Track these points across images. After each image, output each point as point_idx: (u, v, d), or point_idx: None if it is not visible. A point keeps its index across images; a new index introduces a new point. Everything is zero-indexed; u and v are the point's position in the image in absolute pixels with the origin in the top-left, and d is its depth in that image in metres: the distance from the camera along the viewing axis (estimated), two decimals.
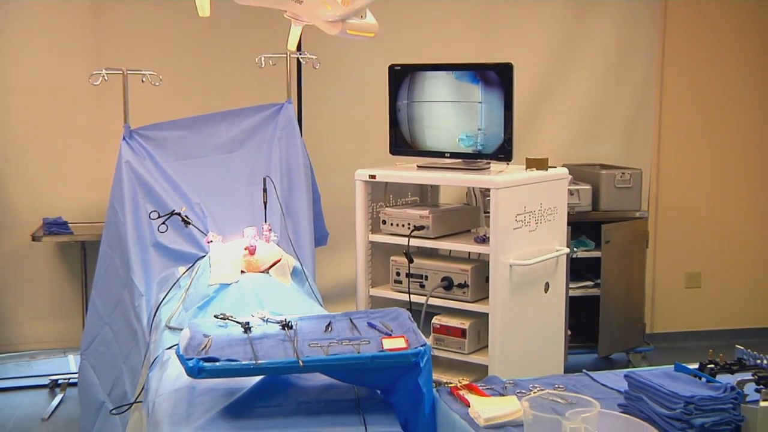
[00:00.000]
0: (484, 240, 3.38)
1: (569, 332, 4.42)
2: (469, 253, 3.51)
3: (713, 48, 5.36)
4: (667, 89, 5.34)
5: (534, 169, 3.49)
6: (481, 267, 3.40)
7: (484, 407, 2.02)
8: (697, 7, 5.30)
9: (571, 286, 4.56)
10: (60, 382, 4.65)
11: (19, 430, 4.13)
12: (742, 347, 2.11)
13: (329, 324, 2.35)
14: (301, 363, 2.07)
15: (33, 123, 4.61)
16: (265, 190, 3.36)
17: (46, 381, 4.69)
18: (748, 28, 5.38)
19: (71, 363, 4.79)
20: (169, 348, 2.54)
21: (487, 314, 3.31)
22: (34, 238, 4.42)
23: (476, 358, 3.38)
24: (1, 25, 4.54)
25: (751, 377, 1.91)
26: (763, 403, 1.81)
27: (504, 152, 3.44)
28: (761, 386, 1.86)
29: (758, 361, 2.03)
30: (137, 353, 3.00)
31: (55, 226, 4.44)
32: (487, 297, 3.31)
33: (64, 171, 4.67)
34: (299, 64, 4.31)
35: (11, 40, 4.56)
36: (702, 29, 5.33)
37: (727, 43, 5.37)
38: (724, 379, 1.91)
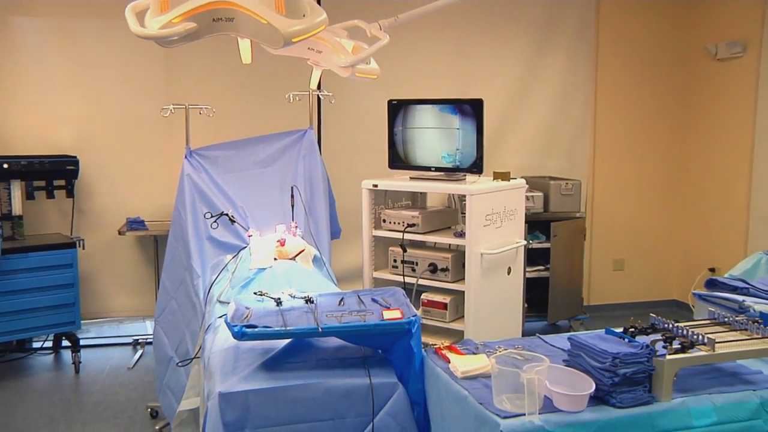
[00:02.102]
0: (461, 234, 3.37)
1: (526, 305, 4.40)
2: (450, 244, 3.51)
3: (634, 89, 5.36)
4: (599, 119, 5.34)
5: (499, 180, 3.48)
6: (459, 255, 3.39)
7: (461, 363, 2.02)
8: (621, 57, 5.30)
9: (527, 269, 4.54)
10: (140, 341, 4.67)
11: (112, 375, 4.15)
12: (654, 315, 2.11)
13: (342, 299, 2.35)
14: (320, 329, 2.08)
15: (118, 144, 4.61)
16: (292, 196, 3.35)
17: (130, 340, 4.72)
18: (663, 76, 5.38)
19: (148, 327, 4.81)
20: (220, 317, 2.54)
21: (464, 292, 3.30)
22: (119, 233, 4.42)
23: (455, 326, 3.38)
24: (99, 69, 4.54)
25: (661, 337, 1.93)
26: (668, 357, 1.83)
27: (476, 167, 3.44)
28: (667, 344, 1.89)
29: (666, 326, 2.05)
30: (196, 320, 2.99)
31: (135, 224, 4.45)
32: (464, 278, 3.30)
33: (141, 181, 4.66)
34: (319, 99, 4.30)
35: (105, 81, 4.56)
36: (625, 75, 5.33)
37: (645, 87, 5.37)
38: (641, 339, 1.92)
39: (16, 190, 4.19)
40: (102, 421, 3.51)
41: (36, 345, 4.56)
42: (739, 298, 2.17)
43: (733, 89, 4.94)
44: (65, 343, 4.43)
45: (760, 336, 1.98)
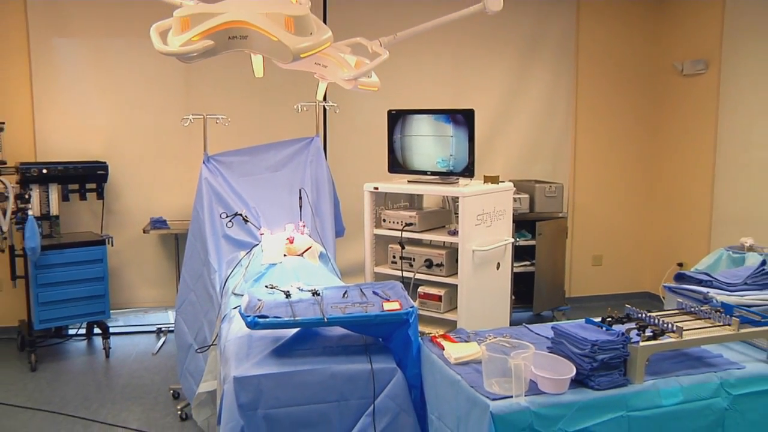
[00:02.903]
0: (454, 233, 3.36)
1: (513, 297, 4.38)
2: (444, 242, 3.49)
3: (611, 101, 5.35)
4: (580, 127, 5.33)
5: (489, 183, 3.47)
6: (453, 252, 3.38)
7: (454, 350, 2.01)
8: (599, 72, 5.30)
9: (514, 264, 4.51)
10: (163, 329, 4.65)
11: (138, 360, 4.16)
12: (629, 306, 2.12)
13: (345, 292, 2.34)
14: (325, 319, 2.07)
15: (144, 151, 4.61)
16: (300, 198, 3.34)
17: (153, 328, 4.71)
18: (636, 89, 5.38)
19: (170, 316, 4.80)
20: (234, 308, 2.53)
21: (457, 285, 3.29)
22: (144, 231, 4.41)
23: (449, 316, 3.36)
24: (127, 83, 4.54)
25: (635, 326, 1.94)
26: (641, 343, 1.84)
27: (468, 171, 3.43)
28: (640, 332, 1.89)
29: (639, 315, 2.05)
30: (213, 311, 2.98)
31: (158, 223, 4.44)
32: (457, 273, 3.30)
33: (164, 184, 4.65)
34: (325, 109, 4.29)
35: (131, 94, 4.56)
36: (603, 88, 5.33)
37: (621, 99, 5.36)
38: (617, 328, 1.92)
39: (53, 192, 4.21)
40: (129, 401, 3.51)
41: (71, 332, 4.56)
42: (704, 290, 2.18)
43: (698, 102, 4.97)
44: (96, 330, 4.44)
45: (721, 324, 2.00)
